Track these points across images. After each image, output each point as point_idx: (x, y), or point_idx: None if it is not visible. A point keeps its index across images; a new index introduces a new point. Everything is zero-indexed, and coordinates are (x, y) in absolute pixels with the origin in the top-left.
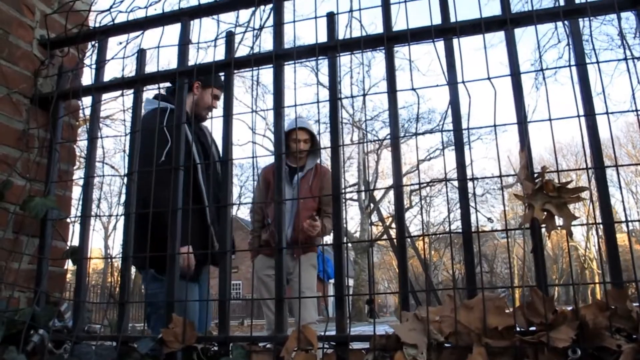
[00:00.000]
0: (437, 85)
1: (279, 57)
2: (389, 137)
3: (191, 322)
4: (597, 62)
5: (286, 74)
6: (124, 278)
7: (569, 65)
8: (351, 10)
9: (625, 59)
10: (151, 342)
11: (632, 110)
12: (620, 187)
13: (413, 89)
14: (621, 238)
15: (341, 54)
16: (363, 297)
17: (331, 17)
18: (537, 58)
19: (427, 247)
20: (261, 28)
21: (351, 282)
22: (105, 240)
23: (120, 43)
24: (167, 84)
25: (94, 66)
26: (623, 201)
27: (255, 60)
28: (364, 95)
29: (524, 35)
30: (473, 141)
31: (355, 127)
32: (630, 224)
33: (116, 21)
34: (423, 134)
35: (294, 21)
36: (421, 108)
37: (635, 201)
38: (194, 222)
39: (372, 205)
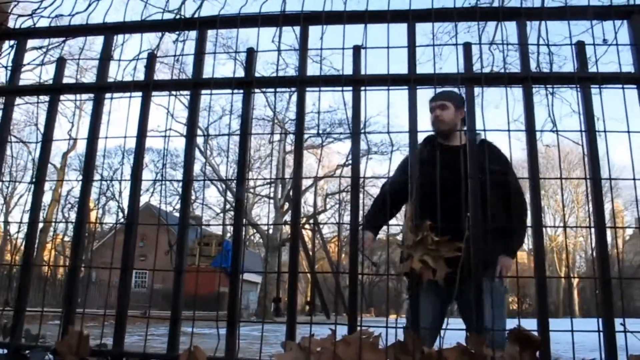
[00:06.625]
0: (340, 139)
1: (197, 85)
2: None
3: (86, 336)
4: (485, 130)
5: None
6: (23, 284)
7: (460, 130)
8: (278, 49)
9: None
10: (43, 352)
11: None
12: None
13: (318, 134)
14: (520, 255)
15: (256, 91)
16: (269, 296)
17: (250, 53)
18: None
19: (337, 250)
20: (180, 55)
21: (260, 279)
22: (5, 215)
23: (41, 48)
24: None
25: (10, 67)
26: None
27: (174, 85)
28: (281, 133)
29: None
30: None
31: (279, 126)
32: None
33: (38, 25)
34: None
35: (215, 53)
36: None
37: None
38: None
39: (287, 204)
